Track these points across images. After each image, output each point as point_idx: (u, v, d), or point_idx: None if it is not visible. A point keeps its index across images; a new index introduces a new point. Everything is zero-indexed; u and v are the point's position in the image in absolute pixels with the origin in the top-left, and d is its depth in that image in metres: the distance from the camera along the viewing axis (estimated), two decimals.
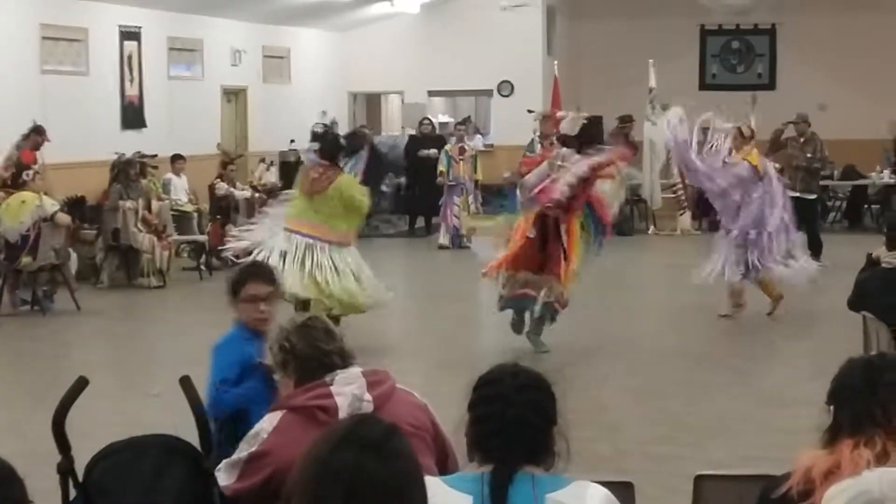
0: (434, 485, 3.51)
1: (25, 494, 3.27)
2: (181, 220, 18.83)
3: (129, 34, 20.07)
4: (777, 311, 13.71)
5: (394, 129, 27.96)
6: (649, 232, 22.68)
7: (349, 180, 12.24)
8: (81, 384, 4.33)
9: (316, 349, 4.47)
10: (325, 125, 20.43)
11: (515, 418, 3.47)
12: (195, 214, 19.19)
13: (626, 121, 22.77)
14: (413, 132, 24.45)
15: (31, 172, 15.15)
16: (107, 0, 19.26)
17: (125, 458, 4.30)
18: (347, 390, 4.35)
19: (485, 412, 3.51)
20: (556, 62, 24.52)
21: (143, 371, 12.15)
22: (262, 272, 6.30)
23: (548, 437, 3.50)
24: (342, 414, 4.19)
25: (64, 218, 15.13)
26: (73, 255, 15.84)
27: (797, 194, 18.16)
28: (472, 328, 14.57)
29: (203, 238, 18.39)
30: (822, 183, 19.62)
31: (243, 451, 4.40)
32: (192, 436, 4.41)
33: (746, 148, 14.04)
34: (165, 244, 17.01)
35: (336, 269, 11.85)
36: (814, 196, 18.47)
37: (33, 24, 17.92)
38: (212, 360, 6.13)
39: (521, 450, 3.46)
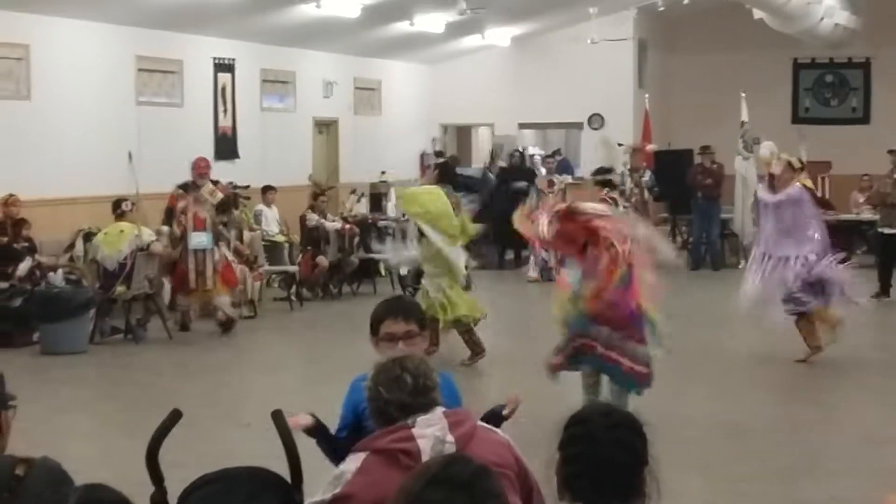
0: None
1: None
2: (272, 250, 19.00)
3: (223, 66, 20.35)
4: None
5: (484, 161, 28.03)
6: (740, 266, 22.45)
7: None
8: (175, 417, 4.38)
9: (377, 394, 4.39)
10: (439, 153, 20.62)
11: (605, 458, 3.45)
12: (286, 245, 19.36)
13: (705, 150, 22.72)
14: (503, 164, 24.48)
15: (129, 203, 15.40)
16: (201, 33, 19.54)
17: (217, 490, 4.32)
18: (429, 432, 4.29)
19: (574, 452, 3.50)
20: (647, 95, 24.50)
21: (234, 401, 12.24)
22: (399, 308, 5.69)
23: (638, 477, 3.48)
24: (425, 457, 4.12)
25: (158, 247, 15.34)
26: (166, 285, 16.02)
27: (892, 231, 17.97)
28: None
29: (294, 269, 18.52)
30: None
31: (327, 492, 4.36)
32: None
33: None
34: (257, 275, 17.15)
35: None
36: None
37: (130, 57, 18.23)
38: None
39: (610, 490, 3.44)
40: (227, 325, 15.66)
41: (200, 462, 5.44)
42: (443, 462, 2.98)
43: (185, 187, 15.63)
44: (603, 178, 11.13)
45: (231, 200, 16.87)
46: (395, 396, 4.34)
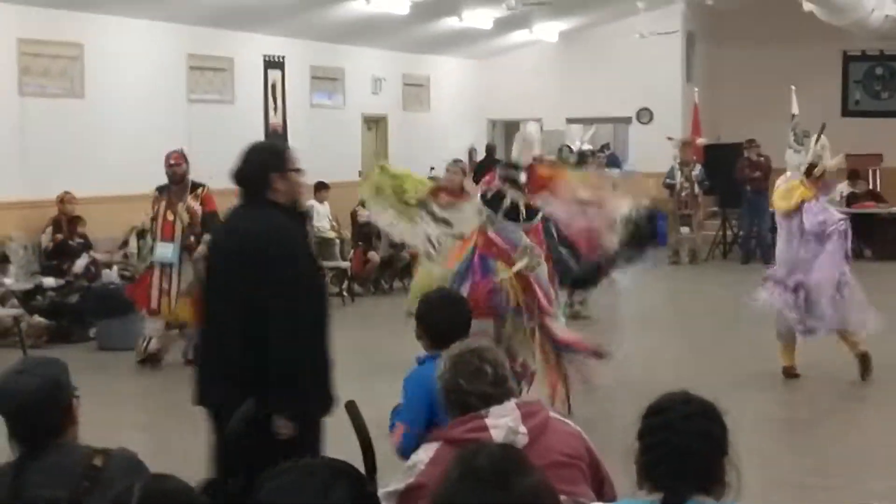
0: None
1: None
2: (323, 246, 19.04)
3: (273, 63, 20.43)
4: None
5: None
6: None
7: None
8: (251, 408, 4.43)
9: (456, 385, 4.42)
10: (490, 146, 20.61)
11: (684, 447, 3.47)
12: (337, 241, 19.41)
13: (751, 143, 22.60)
14: (552, 159, 24.44)
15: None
16: (252, 30, 19.62)
17: (292, 479, 4.35)
18: (502, 422, 4.32)
19: (653, 441, 3.51)
20: (696, 89, 24.42)
21: None
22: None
23: (718, 466, 3.49)
24: None
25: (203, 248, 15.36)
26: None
27: None
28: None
29: (345, 264, 18.58)
30: None
31: (400, 482, 4.40)
32: None
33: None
34: None
35: None
36: None
37: (182, 55, 18.33)
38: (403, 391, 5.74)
39: (690, 479, 3.46)
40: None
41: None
42: (468, 457, 3.03)
43: (161, 189, 13.57)
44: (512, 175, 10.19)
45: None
46: (476, 387, 4.37)
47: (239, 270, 5.86)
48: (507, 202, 9.79)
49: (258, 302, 5.57)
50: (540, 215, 9.86)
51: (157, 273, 13.28)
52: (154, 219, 13.41)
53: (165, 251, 13.19)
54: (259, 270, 5.76)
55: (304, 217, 6.34)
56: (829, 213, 12.22)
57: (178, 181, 13.40)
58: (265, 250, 5.80)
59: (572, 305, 15.80)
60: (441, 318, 5.60)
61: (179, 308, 13.06)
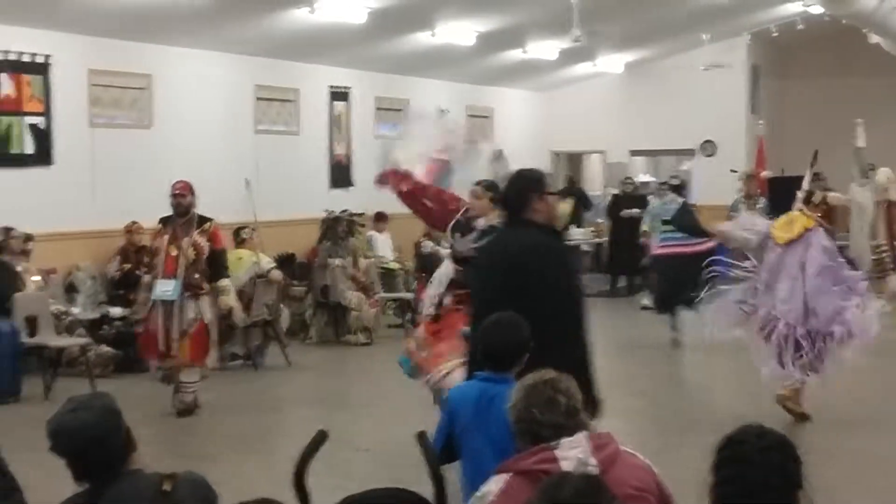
0: None
1: None
2: (386, 277, 19.11)
3: (339, 94, 20.55)
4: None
5: (595, 189, 27.94)
6: None
7: None
8: (321, 437, 4.45)
9: (529, 415, 4.44)
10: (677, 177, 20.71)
11: (758, 481, 3.45)
12: (401, 272, 19.45)
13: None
14: (615, 191, 24.45)
15: (249, 230, 15.57)
16: (318, 61, 19.75)
17: None
18: (572, 454, 4.31)
19: (728, 474, 3.50)
20: (760, 122, 24.31)
21: (353, 426, 12.31)
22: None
23: (793, 500, 3.47)
24: None
25: (277, 275, 15.50)
26: (285, 312, 16.17)
27: None
28: (679, 389, 14.45)
29: (409, 296, 18.61)
30: None
31: None
32: None
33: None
34: (373, 302, 17.26)
35: None
36: None
37: (249, 86, 18.48)
38: None
39: None
40: (185, 410, 12.52)
41: (321, 486, 5.46)
42: (558, 483, 3.04)
43: (165, 221, 12.63)
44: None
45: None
46: (548, 418, 4.37)
47: (512, 284, 6.45)
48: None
49: (533, 312, 5.89)
50: None
51: (160, 313, 12.35)
52: (156, 253, 12.55)
53: (166, 288, 12.23)
54: (531, 282, 6.43)
55: (561, 235, 7.11)
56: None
57: (182, 213, 12.45)
58: (534, 263, 6.52)
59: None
60: (494, 341, 5.65)
61: (179, 349, 12.32)
